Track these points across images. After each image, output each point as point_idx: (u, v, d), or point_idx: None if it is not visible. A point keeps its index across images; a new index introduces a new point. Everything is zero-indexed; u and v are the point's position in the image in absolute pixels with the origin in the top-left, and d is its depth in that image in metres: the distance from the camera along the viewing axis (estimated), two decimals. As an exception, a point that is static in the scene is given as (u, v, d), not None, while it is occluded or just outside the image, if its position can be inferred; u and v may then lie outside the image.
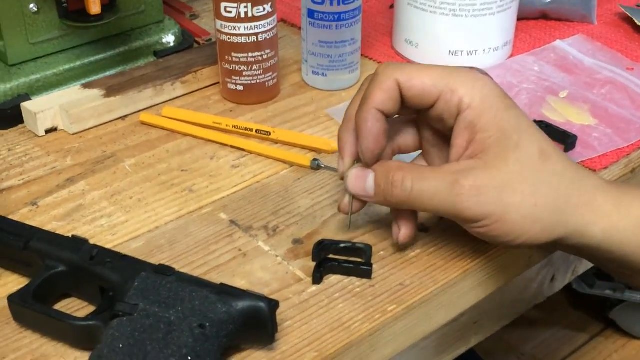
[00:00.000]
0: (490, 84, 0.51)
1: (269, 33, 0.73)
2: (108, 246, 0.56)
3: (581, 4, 0.89)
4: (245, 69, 0.74)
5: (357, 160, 0.55)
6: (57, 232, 0.56)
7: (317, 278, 0.54)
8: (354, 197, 0.55)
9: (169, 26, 0.83)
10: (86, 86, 0.75)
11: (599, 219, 0.50)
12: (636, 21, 0.88)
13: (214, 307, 0.48)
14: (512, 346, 1.51)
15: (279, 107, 0.76)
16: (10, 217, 0.60)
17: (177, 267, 0.52)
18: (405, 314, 0.53)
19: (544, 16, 0.91)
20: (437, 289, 0.55)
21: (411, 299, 0.53)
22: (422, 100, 0.52)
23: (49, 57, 0.76)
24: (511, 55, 0.84)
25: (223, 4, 0.71)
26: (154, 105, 0.75)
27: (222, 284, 0.50)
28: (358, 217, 0.59)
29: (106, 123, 0.73)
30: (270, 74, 0.75)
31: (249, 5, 0.71)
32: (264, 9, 0.71)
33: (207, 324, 0.47)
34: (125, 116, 0.74)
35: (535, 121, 0.70)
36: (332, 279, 0.55)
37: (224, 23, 0.72)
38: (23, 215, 0.61)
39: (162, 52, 0.82)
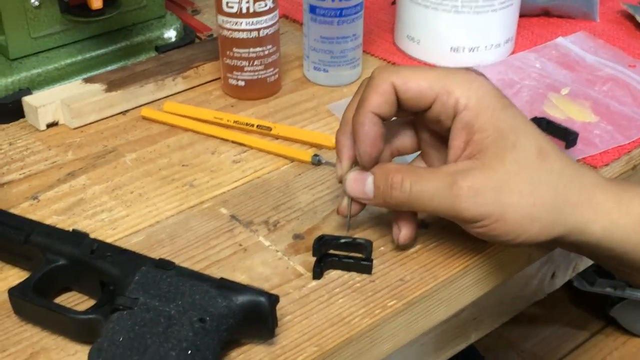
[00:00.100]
0: (486, 85, 0.51)
1: (270, 28, 0.73)
2: (109, 240, 0.56)
3: (583, 1, 0.89)
4: (247, 65, 0.74)
5: (355, 163, 0.55)
6: (57, 226, 0.56)
7: (318, 273, 0.54)
8: (352, 199, 0.56)
9: (170, 21, 0.83)
10: (87, 81, 0.75)
11: (599, 216, 0.50)
12: (638, 19, 0.88)
13: (214, 301, 0.48)
14: (513, 343, 1.51)
15: (280, 102, 0.76)
16: (11, 211, 0.60)
17: (177, 261, 0.52)
18: (405, 309, 0.53)
19: (546, 13, 0.91)
20: (437, 285, 0.55)
21: (411, 295, 0.54)
22: (419, 102, 0.52)
23: (50, 51, 0.76)
24: (513, 52, 0.84)
25: (225, -1, 0.71)
26: (155, 100, 0.75)
27: (222, 279, 0.50)
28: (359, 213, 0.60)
29: (107, 118, 0.73)
30: (272, 69, 0.75)
31: (251, 0, 0.71)
32: (266, 4, 0.71)
33: (207, 318, 0.47)
34: (127, 111, 0.74)
35: (536, 118, 0.70)
36: (333, 274, 0.55)
37: (225, 18, 0.72)
38: (24, 209, 0.61)
39: (164, 47, 0.82)
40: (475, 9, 0.77)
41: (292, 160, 0.67)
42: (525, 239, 0.50)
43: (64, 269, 0.52)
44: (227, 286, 0.49)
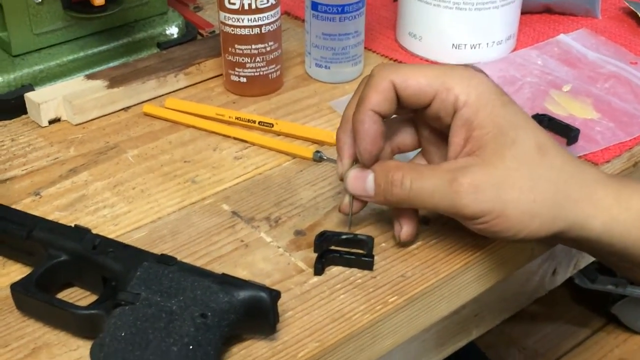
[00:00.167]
0: (486, 81, 0.51)
1: (272, 25, 0.73)
2: (111, 236, 0.56)
3: (585, -2, 0.89)
4: (249, 61, 0.74)
5: (356, 160, 0.55)
6: (59, 222, 0.56)
7: (319, 269, 0.55)
8: (354, 197, 0.56)
9: (172, 18, 0.83)
10: (89, 77, 0.75)
11: (599, 212, 0.50)
12: (640, 15, 0.88)
13: (215, 296, 0.48)
14: (514, 340, 1.51)
15: (282, 99, 0.76)
16: (13, 206, 0.60)
17: (179, 257, 0.52)
18: (406, 305, 0.53)
19: (548, 10, 0.91)
20: (438, 281, 0.55)
21: (412, 291, 0.54)
22: (419, 100, 0.52)
23: (52, 47, 0.76)
24: (515, 49, 0.84)
25: (227, -4, 0.71)
26: (157, 97, 0.76)
27: (223, 274, 0.50)
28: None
29: (109, 114, 0.73)
30: (274, 66, 0.75)
31: (253, -3, 0.71)
32: (268, 1, 0.72)
33: (209, 314, 0.47)
34: (129, 107, 0.74)
35: (538, 115, 0.70)
36: (334, 270, 0.55)
37: (227, 15, 0.72)
38: (26, 205, 0.62)
39: (166, 44, 0.82)
40: (477, 6, 0.77)
41: (293, 156, 0.67)
42: (526, 235, 0.50)
43: (66, 264, 0.52)
44: (229, 282, 0.49)
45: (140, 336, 0.46)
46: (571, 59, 0.81)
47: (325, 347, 0.50)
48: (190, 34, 0.84)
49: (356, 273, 0.55)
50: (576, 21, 0.90)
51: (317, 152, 0.67)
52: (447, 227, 0.58)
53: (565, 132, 0.68)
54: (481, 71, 0.53)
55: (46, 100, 0.71)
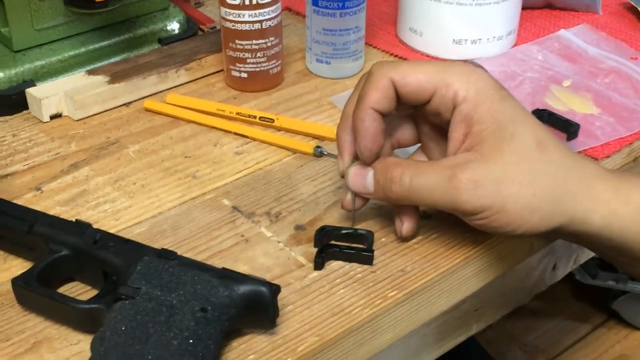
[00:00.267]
0: (485, 76, 0.52)
1: (273, 20, 0.73)
2: (111, 231, 0.56)
3: (586, -7, 0.89)
4: (250, 57, 0.74)
5: (357, 157, 0.55)
6: (60, 217, 0.56)
7: (319, 264, 0.55)
8: (355, 194, 0.56)
9: (173, 13, 0.84)
10: (91, 72, 0.75)
11: (598, 206, 0.51)
12: (641, 11, 0.88)
13: (215, 291, 0.48)
14: (515, 336, 1.51)
15: (282, 94, 0.76)
16: (14, 201, 0.60)
17: (180, 252, 0.52)
18: (406, 299, 0.53)
19: (549, 5, 0.91)
20: (438, 276, 0.55)
21: (412, 285, 0.54)
22: (418, 96, 0.52)
23: (54, 43, 0.76)
24: (515, 44, 0.84)
25: (227, -9, 0.71)
26: (158, 92, 0.76)
27: (224, 269, 0.50)
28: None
29: (110, 109, 0.73)
30: (274, 61, 0.76)
31: (253, -8, 0.71)
32: (268, -4, 0.72)
33: (209, 308, 0.47)
34: (130, 103, 0.74)
35: (538, 110, 0.70)
36: (334, 264, 0.55)
37: (228, 10, 0.72)
38: (27, 200, 0.62)
39: (167, 39, 0.82)
40: (478, 1, 0.77)
41: (294, 151, 0.67)
42: (526, 230, 0.50)
43: (67, 259, 0.53)
44: (229, 276, 0.49)
45: (141, 330, 0.46)
46: (572, 54, 0.81)
47: (325, 342, 0.50)
48: (191, 29, 0.84)
49: (356, 268, 0.55)
50: (577, 16, 0.90)
51: (318, 147, 0.67)
52: (447, 221, 0.58)
53: (566, 127, 0.68)
54: (480, 66, 0.53)
55: (47, 95, 0.71)
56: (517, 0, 0.80)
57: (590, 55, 0.81)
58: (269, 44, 0.74)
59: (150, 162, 0.66)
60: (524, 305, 0.75)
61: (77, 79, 0.74)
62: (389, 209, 0.58)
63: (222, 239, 0.58)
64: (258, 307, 0.49)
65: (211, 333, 0.46)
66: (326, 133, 0.69)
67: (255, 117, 0.71)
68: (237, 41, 0.73)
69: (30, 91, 0.72)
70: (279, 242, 0.57)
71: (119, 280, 0.50)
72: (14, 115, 0.73)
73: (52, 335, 0.50)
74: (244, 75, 0.75)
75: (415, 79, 0.52)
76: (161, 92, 0.76)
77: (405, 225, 0.56)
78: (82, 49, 0.77)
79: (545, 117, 0.69)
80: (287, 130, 0.70)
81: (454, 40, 0.80)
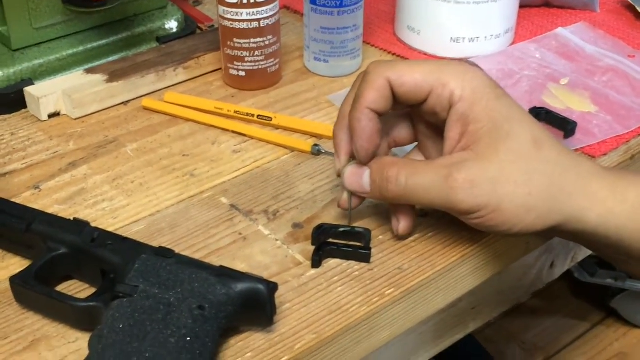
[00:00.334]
0: (481, 75, 0.52)
1: (271, 19, 0.73)
2: (110, 229, 0.56)
3: (584, -9, 0.90)
4: (248, 55, 0.74)
5: (353, 157, 0.55)
6: (59, 215, 0.56)
7: (316, 262, 0.55)
8: (352, 193, 0.56)
9: (172, 12, 0.84)
10: (89, 71, 0.75)
11: (594, 205, 0.51)
12: (638, 9, 0.88)
13: (213, 288, 0.48)
14: (514, 334, 1.51)
15: (280, 93, 0.76)
16: (13, 200, 0.60)
17: (177, 250, 0.52)
18: (403, 297, 0.54)
19: (547, 4, 0.91)
20: (435, 273, 0.55)
21: (409, 283, 0.54)
22: (414, 96, 0.52)
23: (52, 42, 0.76)
24: (513, 43, 0.84)
25: (225, -10, 0.72)
26: (156, 91, 0.76)
27: (221, 267, 0.50)
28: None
29: (108, 108, 0.73)
30: (272, 60, 0.76)
31: (251, -9, 0.71)
32: (266, -6, 0.72)
33: (207, 306, 0.47)
34: (128, 101, 0.75)
35: (535, 108, 0.70)
36: (331, 262, 0.55)
37: (226, 9, 0.73)
38: (25, 199, 0.62)
39: (165, 38, 0.82)
40: (476, 0, 0.77)
41: (292, 150, 0.68)
42: (522, 229, 0.50)
43: (65, 257, 0.53)
44: (227, 274, 0.49)
45: (139, 328, 0.46)
46: (569, 52, 0.82)
47: (322, 339, 0.50)
48: (189, 28, 0.84)
49: (353, 265, 0.55)
50: (575, 15, 0.90)
51: (316, 145, 0.67)
52: (443, 220, 0.58)
53: (563, 125, 0.68)
54: (476, 65, 0.53)
55: (46, 94, 0.71)
56: (514, -1, 0.80)
57: (587, 53, 0.81)
58: (267, 43, 0.74)
59: (149, 161, 0.66)
60: (523, 303, 0.75)
61: (75, 78, 0.74)
62: (386, 207, 0.58)
63: (220, 237, 0.58)
64: (255, 305, 0.49)
65: (209, 331, 0.46)
66: (324, 131, 0.69)
67: (253, 115, 0.71)
68: (235, 40, 0.74)
69: (29, 90, 0.72)
70: (277, 240, 0.57)
71: (117, 279, 0.50)
72: (12, 114, 0.73)
73: (50, 333, 0.50)
74: (242, 73, 0.75)
75: (411, 78, 0.52)
76: (159, 90, 0.76)
77: (402, 224, 0.56)
78: (81, 48, 0.78)
79: (543, 115, 0.69)
80: (285, 129, 0.70)
81: (451, 38, 0.80)
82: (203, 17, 0.88)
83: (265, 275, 0.53)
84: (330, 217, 0.60)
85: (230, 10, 0.72)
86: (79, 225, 0.54)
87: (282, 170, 0.65)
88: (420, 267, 0.55)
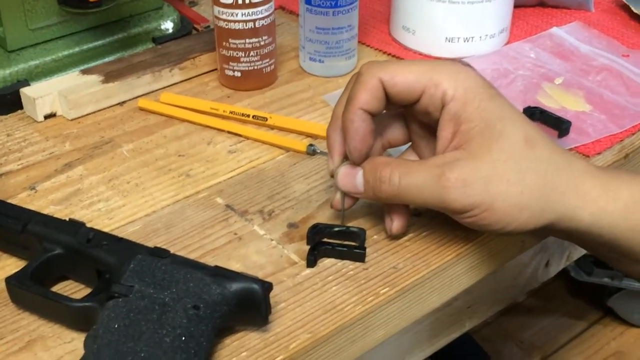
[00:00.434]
0: (473, 75, 0.52)
1: (266, 19, 0.74)
2: (105, 230, 0.56)
3: (578, -9, 0.90)
4: (243, 55, 0.74)
5: (346, 157, 0.55)
6: (54, 216, 0.57)
7: (311, 261, 0.55)
8: (345, 194, 0.56)
9: (167, 13, 0.84)
10: (85, 72, 0.75)
11: (587, 203, 0.51)
12: (632, 8, 0.88)
13: (208, 288, 0.48)
14: (511, 334, 1.52)
15: (276, 93, 0.76)
16: (8, 201, 0.60)
17: (173, 250, 0.52)
18: (398, 296, 0.54)
19: (541, 3, 0.91)
20: (429, 273, 0.55)
21: (404, 282, 0.54)
22: (407, 96, 0.53)
23: (48, 43, 0.76)
24: (508, 42, 0.84)
25: (220, -9, 0.72)
26: (152, 91, 0.76)
27: (216, 267, 0.50)
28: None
29: (104, 109, 0.74)
30: (268, 60, 0.76)
31: (246, -9, 0.71)
32: (261, -5, 0.72)
33: (201, 305, 0.47)
34: (124, 102, 0.75)
35: (530, 107, 0.70)
36: (326, 262, 0.56)
37: (221, 9, 0.73)
38: (21, 200, 0.62)
39: (161, 39, 0.82)
40: (470, 0, 0.78)
41: (287, 150, 0.68)
42: (515, 228, 0.51)
43: (61, 257, 0.53)
44: (221, 274, 0.49)
45: (134, 328, 0.46)
46: (564, 51, 0.82)
47: (317, 338, 0.50)
48: (185, 28, 0.85)
49: (348, 265, 0.55)
50: (569, 14, 0.90)
51: (311, 145, 0.67)
52: (438, 219, 0.58)
53: (557, 125, 0.68)
54: (468, 65, 0.53)
55: (42, 95, 0.71)
56: (509, -1, 0.81)
57: (582, 52, 0.82)
58: (262, 43, 0.74)
59: (144, 161, 0.66)
60: (520, 302, 0.76)
61: (71, 79, 0.74)
62: (380, 206, 0.58)
63: (215, 237, 0.58)
64: (250, 305, 0.49)
65: (203, 330, 0.47)
66: (319, 131, 0.69)
67: (248, 115, 0.71)
68: (230, 40, 0.74)
69: (25, 91, 0.72)
70: (272, 240, 0.58)
71: (112, 279, 0.50)
72: (8, 115, 0.73)
73: (45, 333, 0.51)
74: (238, 74, 0.75)
75: (404, 78, 0.52)
76: (155, 91, 0.76)
77: (395, 223, 0.56)
78: (76, 49, 0.78)
79: (537, 114, 0.70)
80: (281, 129, 0.70)
81: (446, 38, 0.80)
82: (199, 18, 0.88)
83: (260, 275, 0.53)
84: (325, 216, 0.60)
85: (225, 10, 0.72)
86: (75, 225, 0.54)
87: (277, 170, 0.65)
88: (415, 266, 0.55)
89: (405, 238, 0.57)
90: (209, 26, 0.86)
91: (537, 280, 0.75)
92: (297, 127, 0.70)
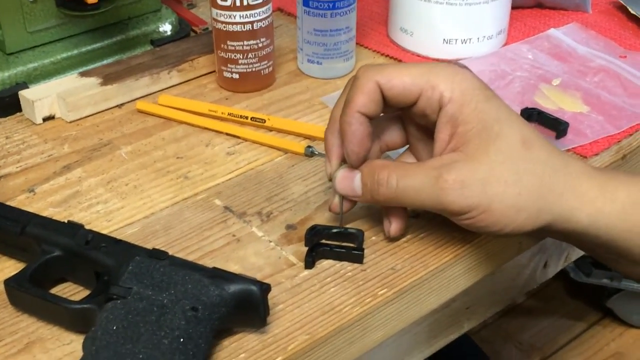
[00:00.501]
0: (470, 77, 0.52)
1: (264, 21, 0.74)
2: (104, 232, 0.57)
3: (576, -8, 0.90)
4: (241, 57, 0.74)
5: (344, 160, 0.56)
6: (53, 218, 0.57)
7: (309, 263, 0.55)
8: (343, 197, 0.56)
9: (166, 15, 0.84)
10: (83, 74, 0.75)
11: (584, 204, 0.51)
12: (630, 9, 0.88)
13: (206, 290, 0.48)
14: (511, 335, 1.52)
15: (274, 95, 0.77)
16: (7, 203, 0.60)
17: (171, 252, 0.52)
18: (396, 298, 0.54)
19: (539, 5, 0.92)
20: (427, 274, 0.55)
21: (402, 283, 0.54)
22: (404, 98, 0.53)
23: (46, 45, 0.77)
24: (505, 44, 0.84)
25: (218, -7, 0.72)
26: (150, 94, 0.76)
27: (214, 268, 0.50)
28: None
29: (103, 111, 0.74)
30: (266, 62, 0.76)
31: (244, -7, 0.71)
32: (259, -3, 0.72)
33: (200, 307, 0.47)
34: (122, 104, 0.75)
35: (527, 108, 0.70)
36: (324, 263, 0.56)
37: (219, 11, 0.73)
38: (20, 202, 0.62)
39: (159, 41, 0.82)
40: (468, 1, 0.78)
41: (285, 151, 0.68)
42: (513, 229, 0.51)
43: (59, 259, 0.53)
44: (220, 275, 0.49)
45: (132, 330, 0.46)
46: (561, 53, 0.82)
47: (316, 340, 0.50)
48: (183, 31, 0.85)
49: (346, 266, 0.55)
50: (567, 15, 0.90)
51: (309, 147, 0.67)
52: (435, 220, 0.58)
53: (555, 126, 0.69)
54: (465, 67, 0.53)
55: (40, 97, 0.72)
56: (507, 0, 0.81)
57: (579, 54, 0.82)
58: (260, 45, 0.74)
59: (143, 163, 0.67)
60: (519, 303, 0.76)
61: (69, 81, 0.74)
62: (379, 208, 0.59)
63: (213, 238, 0.58)
64: (249, 306, 0.49)
65: (202, 332, 0.47)
66: (317, 133, 0.69)
67: (246, 117, 0.71)
68: (228, 42, 0.74)
69: (23, 93, 0.72)
70: (270, 241, 0.58)
71: (111, 281, 0.50)
72: (7, 118, 0.73)
73: (44, 335, 0.51)
74: (236, 76, 0.76)
75: (400, 81, 0.52)
76: (153, 93, 0.76)
77: (394, 225, 0.56)
78: (75, 51, 0.78)
79: (535, 115, 0.70)
80: (279, 131, 0.70)
81: (444, 40, 0.81)
82: (197, 20, 0.88)
83: (258, 276, 0.53)
84: (324, 218, 0.60)
85: (223, 12, 0.73)
86: (73, 227, 0.54)
87: (275, 172, 0.65)
88: (413, 267, 0.55)
89: (403, 239, 0.58)
90: (207, 28, 0.86)
91: (536, 281, 0.75)
92: (295, 128, 0.70)
